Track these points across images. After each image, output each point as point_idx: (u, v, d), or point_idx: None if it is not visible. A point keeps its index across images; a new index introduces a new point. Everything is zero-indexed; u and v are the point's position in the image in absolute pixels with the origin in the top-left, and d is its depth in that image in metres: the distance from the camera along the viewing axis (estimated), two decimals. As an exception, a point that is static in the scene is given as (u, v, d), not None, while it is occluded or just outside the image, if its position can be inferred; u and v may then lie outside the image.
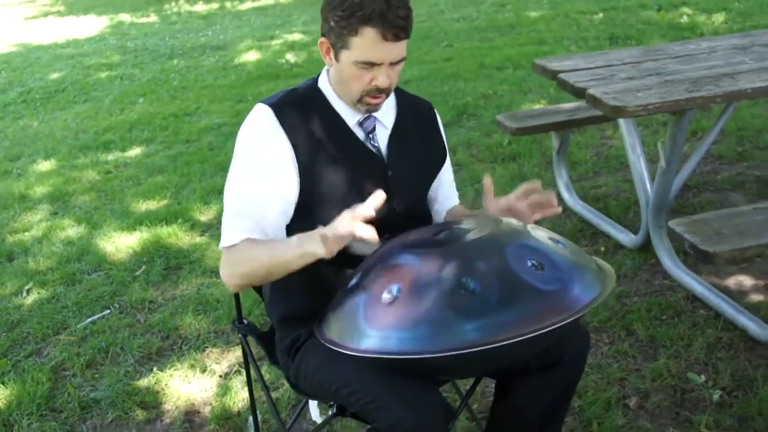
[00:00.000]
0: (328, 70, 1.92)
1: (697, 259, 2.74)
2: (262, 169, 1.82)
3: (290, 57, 8.02)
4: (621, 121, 3.32)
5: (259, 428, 2.38)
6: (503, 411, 1.95)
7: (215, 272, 3.67)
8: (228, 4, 12.66)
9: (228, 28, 10.46)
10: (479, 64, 7.09)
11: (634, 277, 3.32)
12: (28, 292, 3.75)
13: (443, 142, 2.07)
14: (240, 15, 11.51)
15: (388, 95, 1.85)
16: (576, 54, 3.93)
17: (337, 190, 1.84)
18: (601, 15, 8.56)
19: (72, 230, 4.42)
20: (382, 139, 1.93)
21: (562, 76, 3.10)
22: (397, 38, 1.74)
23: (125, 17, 12.47)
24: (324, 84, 1.91)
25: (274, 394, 2.75)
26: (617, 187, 4.19)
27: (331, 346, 1.64)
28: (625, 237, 3.53)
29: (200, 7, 12.63)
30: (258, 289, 2.13)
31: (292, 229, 1.87)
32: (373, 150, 1.90)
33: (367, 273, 1.68)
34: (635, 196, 3.83)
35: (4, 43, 11.32)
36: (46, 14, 14.02)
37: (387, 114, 1.94)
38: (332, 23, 1.75)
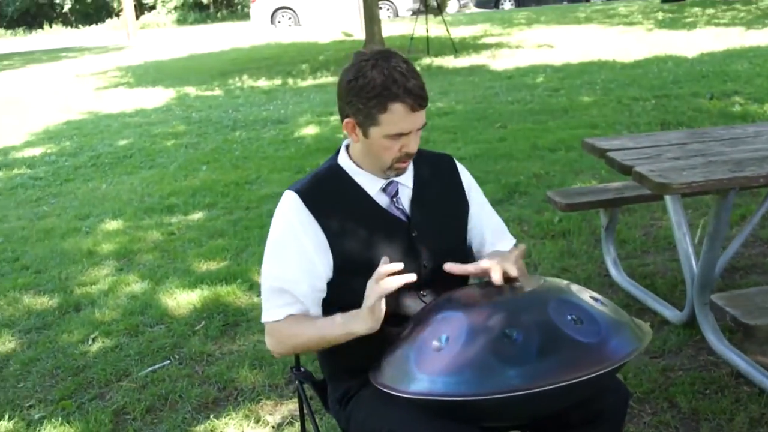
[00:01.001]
0: (347, 147, 2.10)
1: (739, 332, 2.82)
2: (296, 253, 2.01)
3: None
4: (668, 200, 3.44)
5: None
6: (545, 464, 2.04)
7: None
8: (290, 81, 13.12)
9: (288, 103, 10.85)
10: (532, 145, 7.27)
11: (679, 352, 3.39)
12: (93, 340, 3.95)
13: (464, 189, 2.19)
14: (300, 91, 11.92)
15: (412, 158, 2.03)
16: (624, 135, 4.08)
17: (368, 261, 1.98)
18: (653, 101, 8.71)
19: (136, 285, 4.63)
20: (405, 199, 2.09)
21: (610, 154, 3.25)
22: (421, 107, 1.94)
23: (191, 90, 12.98)
24: (344, 160, 2.09)
25: (324, 445, 2.87)
26: (665, 265, 4.28)
27: (383, 389, 1.78)
28: (671, 313, 3.61)
29: (263, 83, 13.10)
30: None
31: (328, 302, 2.05)
32: (397, 213, 2.07)
33: (417, 325, 1.84)
34: (682, 274, 3.91)
35: (76, 111, 11.86)
36: (116, 85, 14.65)
37: (407, 174, 2.11)
38: (360, 105, 1.93)
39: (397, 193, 2.09)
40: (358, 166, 2.07)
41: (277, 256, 2.04)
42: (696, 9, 18.91)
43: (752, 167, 2.92)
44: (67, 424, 3.17)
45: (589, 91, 9.76)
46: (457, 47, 14.84)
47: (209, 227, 5.57)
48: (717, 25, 15.71)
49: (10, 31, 47.96)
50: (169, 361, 3.66)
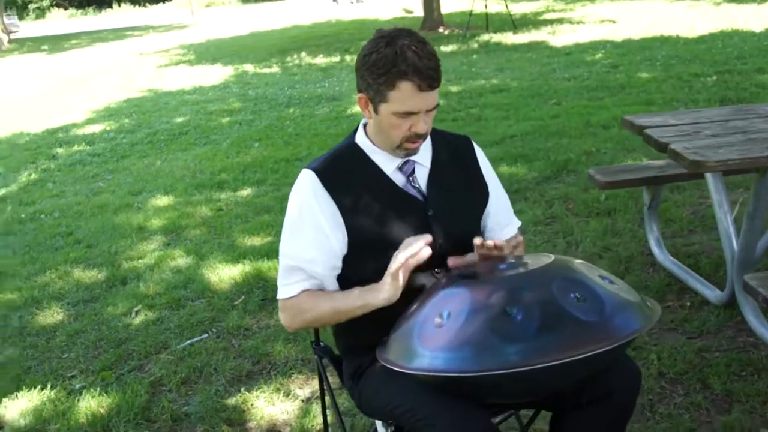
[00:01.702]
0: (364, 125, 2.09)
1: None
2: (311, 230, 2.01)
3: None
4: (708, 178, 3.35)
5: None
6: (555, 444, 2.03)
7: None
8: (347, 58, 13.14)
9: (344, 80, 10.88)
10: (585, 122, 7.15)
11: (718, 333, 3.31)
12: (136, 313, 4.04)
13: (483, 174, 2.19)
14: (357, 68, 11.95)
15: (425, 139, 2.02)
16: (666, 112, 3.97)
17: (381, 238, 2.00)
18: (714, 78, 8.48)
19: (181, 260, 4.72)
20: (422, 179, 2.08)
21: (648, 131, 3.18)
22: (431, 88, 1.90)
23: (249, 67, 13.11)
24: (361, 138, 2.08)
25: (350, 420, 2.89)
26: (710, 245, 4.18)
27: (386, 365, 1.78)
28: (711, 293, 3.53)
29: (320, 60, 13.16)
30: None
31: (344, 278, 2.06)
32: (413, 192, 2.06)
33: (423, 301, 1.83)
34: (726, 254, 3.81)
35: (137, 89, 12.11)
36: (177, 63, 14.90)
37: (424, 154, 2.09)
38: (370, 80, 1.92)
39: (413, 172, 2.08)
40: (374, 144, 2.07)
41: (294, 234, 2.05)
42: (768, -19, 18.27)
43: (793, 144, 2.82)
44: (105, 394, 3.25)
45: (649, 67, 9.55)
46: (516, 23, 14.65)
47: (256, 203, 5.64)
48: (789, -3, 15.19)
49: (80, 11, 49.03)
50: (207, 335, 3.73)
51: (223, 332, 3.74)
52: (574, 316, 1.65)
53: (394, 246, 1.97)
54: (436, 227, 2.04)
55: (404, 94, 1.90)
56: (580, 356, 1.60)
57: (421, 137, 1.99)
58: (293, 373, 3.30)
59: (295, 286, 2.03)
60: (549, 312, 1.66)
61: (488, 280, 1.81)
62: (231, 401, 3.14)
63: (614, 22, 14.17)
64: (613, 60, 10.28)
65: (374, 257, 1.98)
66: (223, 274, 4.39)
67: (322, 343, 2.32)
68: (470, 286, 1.80)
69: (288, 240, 2.06)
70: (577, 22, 14.62)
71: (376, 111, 1.97)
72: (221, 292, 4.18)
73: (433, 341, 1.71)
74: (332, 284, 2.06)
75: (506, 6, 14.62)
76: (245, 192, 6.05)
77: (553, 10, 17.32)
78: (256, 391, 3.19)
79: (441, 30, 15.24)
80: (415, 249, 1.85)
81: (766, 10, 13.62)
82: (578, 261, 1.92)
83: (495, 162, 5.97)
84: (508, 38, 13.45)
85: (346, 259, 2.05)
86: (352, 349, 2.15)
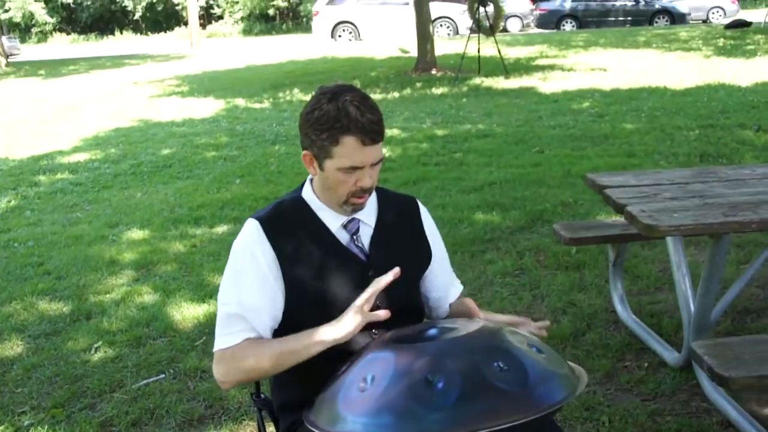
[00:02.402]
0: (311, 180, 2.10)
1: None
2: (255, 278, 2.01)
3: (385, 151, 8.31)
4: (668, 240, 3.37)
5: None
6: None
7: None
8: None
9: (333, 118, 10.91)
10: (566, 171, 7.18)
11: (672, 396, 3.31)
12: (96, 350, 4.02)
13: (426, 235, 2.20)
14: (347, 107, 12.01)
15: (370, 194, 2.04)
16: (628, 172, 4.00)
17: (320, 293, 2.01)
18: (697, 132, 8.53)
19: (148, 296, 4.71)
20: (365, 238, 2.09)
21: (607, 191, 3.20)
22: (374, 142, 1.93)
23: (241, 102, 13.17)
24: (308, 194, 2.09)
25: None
26: (674, 304, 4.17)
27: (310, 426, 1.77)
28: (669, 355, 3.53)
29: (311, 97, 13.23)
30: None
31: (278, 332, 2.04)
32: (356, 251, 2.07)
33: (352, 362, 1.83)
34: (688, 315, 3.82)
35: (128, 118, 12.13)
36: (170, 94, 14.95)
37: (369, 213, 2.11)
38: (313, 137, 1.95)
39: (357, 230, 2.09)
40: (320, 200, 2.08)
41: (236, 282, 2.04)
42: (759, 36, 18.49)
43: (746, 212, 2.84)
44: (52, 433, 3.23)
45: (634, 118, 9.62)
46: (509, 68, 14.77)
47: (230, 241, 5.56)
48: (778, 54, 15.35)
49: (82, 36, 49.32)
50: (163, 375, 3.71)
51: (180, 373, 3.72)
52: (495, 386, 1.65)
53: (331, 303, 1.98)
54: None
55: (348, 150, 1.91)
56: (499, 427, 1.60)
57: (367, 191, 2.01)
58: (245, 419, 3.28)
59: (238, 335, 2.00)
60: (470, 381, 1.66)
61: (415, 345, 1.80)
62: (179, 446, 3.11)
63: (605, 70, 14.29)
64: (599, 109, 10.36)
65: (310, 313, 1.99)
66: (188, 313, 4.38)
67: (262, 395, 2.31)
68: (396, 350, 1.80)
69: (229, 287, 2.05)
70: (569, 69, 14.74)
71: (321, 167, 1.99)
72: (183, 332, 4.16)
73: (356, 406, 1.71)
74: (269, 337, 2.05)
75: (498, 51, 14.74)
76: (221, 229, 6.05)
77: (546, 56, 17.46)
78: (205, 436, 3.17)
79: (434, 72, 15.36)
80: (381, 284, 1.88)
81: (754, 65, 13.76)
82: (508, 328, 1.92)
83: (471, 209, 6.01)
84: (499, 83, 13.55)
85: (284, 313, 2.05)
86: (287, 406, 2.13)
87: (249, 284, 2.01)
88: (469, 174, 7.33)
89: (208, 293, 4.63)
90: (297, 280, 2.02)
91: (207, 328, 4.17)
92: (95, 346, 4.06)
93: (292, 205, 2.11)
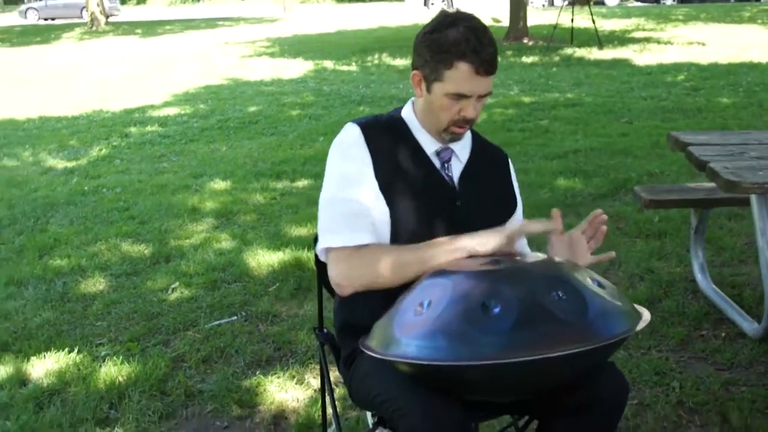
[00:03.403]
0: (413, 102, 2.08)
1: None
2: (356, 176, 1.98)
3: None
4: (753, 203, 3.22)
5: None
6: (539, 452, 1.99)
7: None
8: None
9: (419, 83, 10.88)
10: (654, 143, 6.98)
11: (749, 367, 3.19)
12: (173, 290, 4.12)
13: (514, 192, 2.17)
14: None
15: (471, 126, 2.01)
16: (714, 131, 3.85)
17: (407, 210, 1.98)
18: (798, 108, 8.19)
19: (226, 243, 4.79)
20: (455, 171, 2.06)
21: (691, 148, 3.09)
22: (487, 73, 1.90)
23: (329, 64, 13.25)
24: (408, 114, 2.07)
25: (356, 413, 2.89)
26: (759, 277, 4.02)
27: (364, 350, 1.77)
28: (749, 326, 3.40)
29: (399, 62, 13.20)
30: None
31: None
32: (447, 179, 2.04)
33: (410, 289, 1.81)
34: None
35: (219, 76, 12.35)
36: (260, 54, 15.14)
37: (463, 149, 2.08)
38: (428, 57, 1.92)
39: (449, 160, 2.07)
40: (420, 123, 2.06)
41: (349, 183, 1.98)
42: None
43: (839, 175, 2.70)
44: (126, 364, 3.32)
45: (731, 92, 9.27)
46: (603, 40, 14.41)
47: (310, 195, 5.68)
48: None
49: (180, 0, 50.23)
50: (236, 317, 3.78)
51: (252, 316, 3.78)
52: (552, 314, 1.61)
53: (414, 219, 1.96)
54: (460, 218, 2.02)
55: (460, 75, 1.89)
56: (554, 355, 1.56)
57: (469, 123, 1.98)
58: (311, 363, 3.32)
59: (364, 235, 1.94)
60: (527, 308, 1.62)
61: (473, 272, 1.77)
62: (245, 383, 3.17)
63: (703, 44, 13.81)
64: (695, 83, 10.02)
65: (397, 225, 1.97)
66: (263, 260, 4.44)
67: (325, 330, 2.32)
68: (455, 276, 1.77)
69: (339, 187, 1.99)
70: (666, 42, 14.30)
71: (428, 90, 1.97)
72: (257, 278, 4.23)
73: (411, 329, 1.70)
74: (386, 238, 1.99)
75: (593, 21, 14.38)
76: (302, 183, 6.11)
77: (643, 29, 16.97)
78: (272, 376, 3.21)
79: (525, 41, 15.12)
80: (546, 225, 1.92)
81: None
82: (568, 261, 1.88)
83: (554, 175, 5.91)
84: (592, 54, 13.24)
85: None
86: (348, 329, 2.11)
87: (354, 183, 1.98)
88: (553, 141, 7.20)
89: (285, 242, 4.68)
90: (388, 191, 1.99)
91: (281, 275, 4.23)
92: (172, 286, 4.16)
93: (390, 121, 2.09)
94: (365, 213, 1.96)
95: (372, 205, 1.97)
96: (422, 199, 2.00)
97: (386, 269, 1.90)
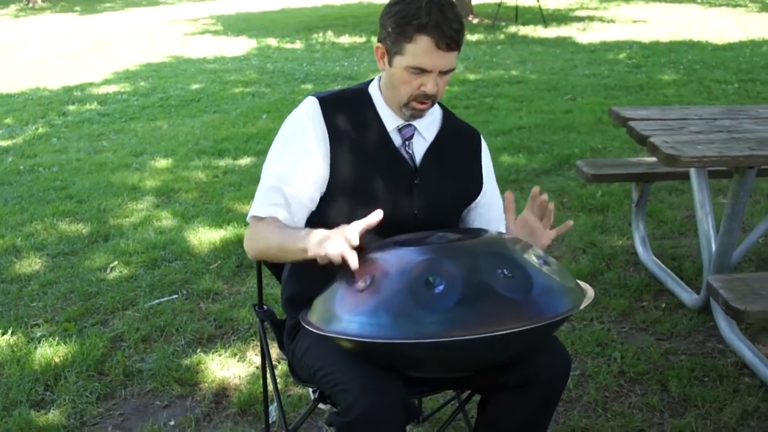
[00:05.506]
0: (380, 78, 2.04)
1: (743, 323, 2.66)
2: (298, 154, 1.95)
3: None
4: (693, 176, 3.26)
5: (268, 416, 2.48)
6: (480, 426, 1.98)
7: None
8: (373, 39, 13.04)
9: (364, 61, 10.80)
10: (597, 119, 7.04)
11: (688, 336, 3.24)
12: (111, 269, 4.03)
13: (481, 175, 2.13)
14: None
15: (433, 103, 1.97)
16: (655, 106, 3.89)
17: (362, 186, 1.95)
18: (736, 85, 8.32)
19: (167, 221, 4.71)
20: (418, 149, 2.03)
21: (631, 123, 3.10)
22: (449, 48, 1.86)
23: (273, 42, 13.08)
24: (373, 89, 2.04)
25: (298, 390, 2.86)
26: (697, 249, 4.08)
27: (304, 324, 1.74)
28: (688, 296, 3.45)
29: (344, 39, 13.09)
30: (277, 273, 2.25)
31: (314, 217, 1.99)
32: (405, 156, 2.00)
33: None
34: (710, 259, 3.73)
35: (161, 54, 12.11)
36: (203, 32, 14.89)
37: (429, 127, 2.05)
38: (390, 29, 1.88)
39: (411, 137, 2.03)
40: (383, 98, 2.02)
41: (283, 155, 1.98)
42: (809, -6, 17.94)
43: (774, 146, 2.74)
44: (63, 344, 3.24)
45: (672, 70, 9.40)
46: (547, 18, 14.49)
47: (253, 173, 5.60)
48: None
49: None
50: (176, 296, 3.71)
51: (193, 294, 3.72)
52: (496, 292, 1.60)
53: (368, 198, 1.93)
54: (418, 196, 1.99)
55: (420, 49, 1.85)
56: (498, 333, 1.55)
57: (430, 99, 1.93)
58: (253, 340, 3.27)
59: (268, 209, 1.96)
60: (471, 285, 1.60)
61: (417, 248, 1.74)
62: (186, 362, 3.11)
63: (645, 22, 13.97)
64: (636, 60, 10.13)
65: (346, 204, 1.95)
66: (204, 238, 4.37)
67: (265, 306, 2.28)
68: (398, 252, 1.74)
69: (276, 160, 2.00)
70: (608, 21, 14.42)
71: (390, 63, 1.93)
72: (199, 256, 4.16)
73: (353, 305, 1.67)
74: (301, 221, 1.99)
75: (537, 0, 14.45)
76: (244, 161, 6.03)
77: (587, 8, 17.09)
78: (213, 354, 3.17)
79: (470, 18, 15.12)
80: (374, 219, 1.75)
81: (801, 23, 13.38)
82: (513, 238, 1.87)
83: (498, 151, 5.92)
84: (536, 32, 13.30)
85: (322, 198, 1.99)
86: (294, 301, 2.07)
87: (294, 159, 1.96)
88: (498, 118, 7.21)
89: (226, 220, 4.61)
90: (342, 166, 1.96)
91: (222, 253, 4.17)
92: (111, 266, 4.07)
93: (354, 95, 2.05)
94: (281, 186, 1.94)
95: (307, 181, 1.95)
96: (377, 174, 1.97)
97: (272, 246, 1.93)
